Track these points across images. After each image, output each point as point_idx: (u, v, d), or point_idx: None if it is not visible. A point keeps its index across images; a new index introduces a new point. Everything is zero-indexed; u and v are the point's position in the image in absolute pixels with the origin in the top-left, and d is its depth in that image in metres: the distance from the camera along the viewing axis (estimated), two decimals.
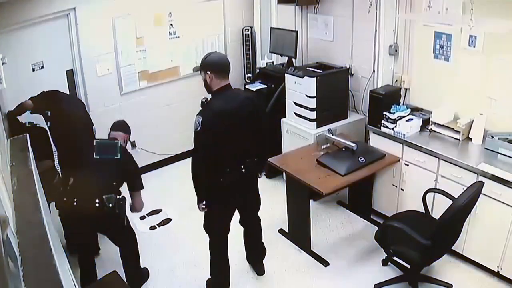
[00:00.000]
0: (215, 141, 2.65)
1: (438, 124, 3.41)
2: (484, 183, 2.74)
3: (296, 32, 4.44)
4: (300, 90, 3.93)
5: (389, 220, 3.12)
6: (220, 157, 2.72)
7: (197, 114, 2.65)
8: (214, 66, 2.67)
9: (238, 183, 2.83)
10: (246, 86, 4.73)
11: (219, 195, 2.83)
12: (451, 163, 3.09)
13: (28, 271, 0.99)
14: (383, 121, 3.54)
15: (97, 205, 2.73)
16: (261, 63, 4.96)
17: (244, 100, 2.81)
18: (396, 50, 3.80)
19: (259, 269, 3.33)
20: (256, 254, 3.34)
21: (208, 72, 2.66)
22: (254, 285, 3.25)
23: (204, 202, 2.81)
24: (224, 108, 2.67)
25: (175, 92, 4.86)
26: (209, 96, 2.77)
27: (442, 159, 3.14)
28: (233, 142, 2.72)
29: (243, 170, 2.81)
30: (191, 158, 2.74)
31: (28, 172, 1.53)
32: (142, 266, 3.25)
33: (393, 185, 3.58)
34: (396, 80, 3.87)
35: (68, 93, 4.14)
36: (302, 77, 3.88)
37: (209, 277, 3.12)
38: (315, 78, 3.80)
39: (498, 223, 2.89)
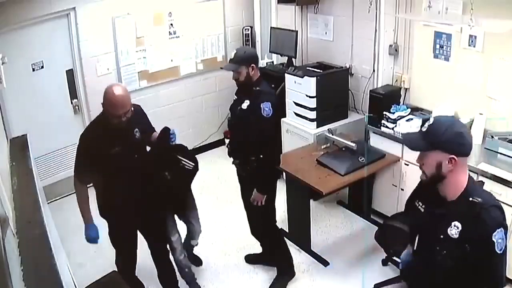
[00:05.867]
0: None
1: None
2: (484, 182, 2.74)
3: (296, 32, 4.44)
4: (300, 90, 3.93)
5: (389, 220, 3.11)
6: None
7: (261, 102, 2.67)
8: (256, 58, 2.83)
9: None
10: None
11: (274, 182, 2.96)
12: None
13: (28, 271, 0.99)
14: (383, 121, 3.54)
15: None
16: (261, 62, 4.95)
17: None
18: (396, 50, 3.79)
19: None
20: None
21: (253, 64, 2.75)
22: (254, 285, 3.25)
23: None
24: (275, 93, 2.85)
25: (175, 92, 4.86)
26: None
27: None
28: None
29: None
30: (264, 148, 2.74)
31: (28, 172, 1.53)
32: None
33: (393, 185, 3.58)
34: (396, 80, 3.87)
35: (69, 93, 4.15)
36: (302, 77, 3.88)
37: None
38: (315, 78, 3.80)
39: None
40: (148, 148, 2.79)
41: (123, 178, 2.51)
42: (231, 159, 2.99)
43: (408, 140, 1.69)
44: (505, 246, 1.54)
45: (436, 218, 1.65)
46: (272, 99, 2.72)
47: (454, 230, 1.57)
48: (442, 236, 1.60)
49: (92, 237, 2.64)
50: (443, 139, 1.55)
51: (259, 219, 3.00)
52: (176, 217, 3.00)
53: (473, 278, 1.59)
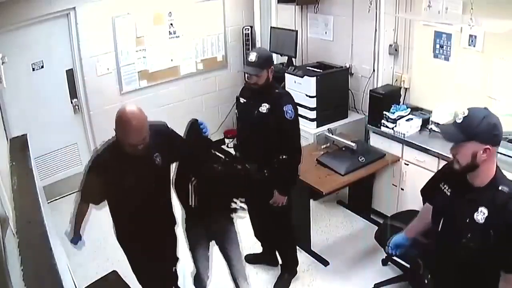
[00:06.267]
0: None
1: (438, 123, 3.41)
2: None
3: (296, 31, 4.44)
4: (300, 90, 3.92)
5: (389, 219, 3.12)
6: None
7: (283, 105, 2.63)
8: (273, 60, 2.82)
9: None
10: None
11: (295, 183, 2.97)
12: None
13: (28, 271, 0.99)
14: (383, 121, 3.54)
15: None
16: None
17: None
18: (396, 50, 3.79)
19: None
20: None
21: (272, 66, 2.72)
22: (254, 285, 3.24)
23: None
24: None
25: (175, 92, 4.86)
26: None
27: (442, 159, 3.14)
28: None
29: None
30: (289, 149, 2.73)
31: (28, 172, 1.53)
32: None
33: (393, 184, 3.58)
34: (396, 80, 3.87)
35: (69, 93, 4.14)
36: (302, 77, 3.88)
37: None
38: (315, 78, 3.80)
39: None
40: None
41: (138, 213, 2.20)
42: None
43: (445, 133, 1.74)
44: None
45: (463, 202, 1.71)
46: (292, 101, 2.70)
47: (480, 215, 1.64)
48: (468, 220, 1.66)
49: (74, 245, 2.41)
50: (479, 130, 1.61)
51: (279, 219, 2.96)
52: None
53: (496, 264, 1.64)
